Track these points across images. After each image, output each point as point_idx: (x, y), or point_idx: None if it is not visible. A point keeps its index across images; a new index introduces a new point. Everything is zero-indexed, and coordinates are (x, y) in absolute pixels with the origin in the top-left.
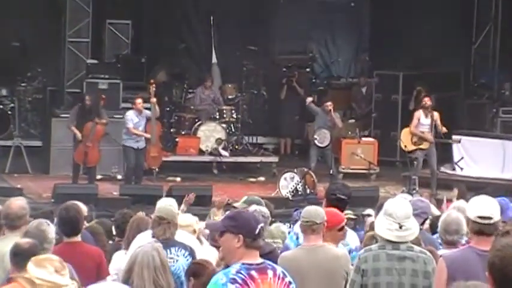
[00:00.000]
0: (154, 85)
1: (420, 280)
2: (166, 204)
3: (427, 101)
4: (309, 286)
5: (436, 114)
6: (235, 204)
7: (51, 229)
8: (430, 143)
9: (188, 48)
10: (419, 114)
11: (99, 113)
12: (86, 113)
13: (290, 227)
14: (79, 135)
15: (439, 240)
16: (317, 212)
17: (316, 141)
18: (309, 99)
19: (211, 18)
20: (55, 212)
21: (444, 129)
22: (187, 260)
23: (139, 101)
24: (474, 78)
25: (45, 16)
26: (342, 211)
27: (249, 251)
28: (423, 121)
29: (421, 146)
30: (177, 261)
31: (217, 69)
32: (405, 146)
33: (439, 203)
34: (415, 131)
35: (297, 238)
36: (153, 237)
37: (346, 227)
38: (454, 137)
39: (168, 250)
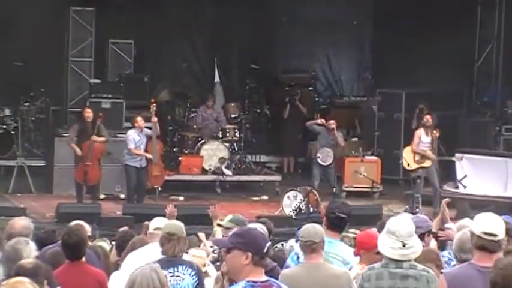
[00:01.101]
0: (155, 104)
1: None
2: (174, 221)
3: (428, 119)
4: None
5: (435, 132)
6: (222, 223)
7: (29, 248)
8: (432, 161)
9: (191, 67)
10: (420, 132)
11: (98, 130)
12: (85, 131)
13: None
14: (79, 151)
15: (447, 257)
16: (315, 230)
17: (318, 160)
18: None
19: (214, 37)
20: (57, 231)
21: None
22: (194, 279)
23: (139, 118)
24: (477, 96)
25: (48, 36)
26: (342, 230)
27: (256, 268)
28: (424, 139)
29: (423, 165)
30: (183, 279)
31: (220, 88)
32: (408, 165)
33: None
34: (417, 150)
35: (298, 258)
36: (163, 254)
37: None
38: (457, 155)
39: (176, 268)
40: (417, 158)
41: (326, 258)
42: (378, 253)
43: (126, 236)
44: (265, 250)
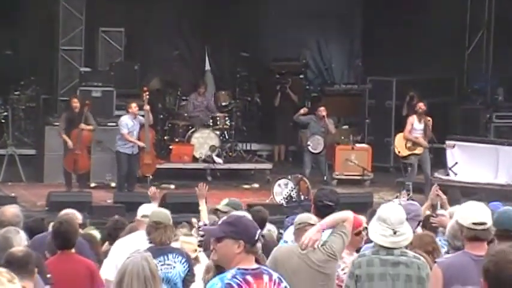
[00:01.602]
0: (147, 92)
1: (414, 285)
2: (160, 209)
3: (420, 106)
4: (298, 283)
5: (429, 119)
6: (219, 207)
7: (19, 236)
8: (424, 148)
9: (181, 55)
10: (412, 119)
11: (86, 119)
12: (73, 120)
13: (281, 234)
14: (70, 143)
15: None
16: (309, 215)
17: (309, 148)
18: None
19: (204, 25)
20: (46, 220)
21: (431, 135)
22: (184, 267)
23: (133, 105)
24: (467, 83)
25: (38, 24)
26: None
27: (247, 256)
28: (416, 126)
29: (415, 152)
30: (174, 267)
31: (211, 76)
32: (399, 152)
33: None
34: (409, 136)
35: None
36: (151, 242)
37: (363, 233)
38: (448, 142)
39: (166, 256)
40: (409, 144)
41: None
42: (357, 234)
43: (117, 224)
44: (256, 237)
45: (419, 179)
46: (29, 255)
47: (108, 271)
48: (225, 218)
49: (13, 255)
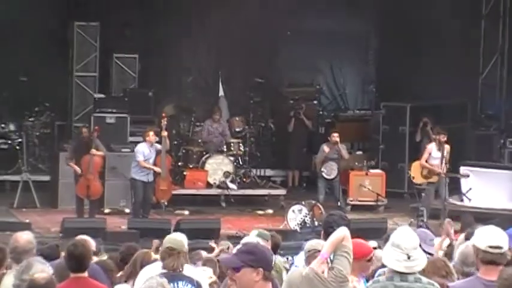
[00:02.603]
0: (166, 118)
1: None
2: (175, 235)
3: (441, 138)
4: None
5: (447, 148)
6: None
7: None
8: (440, 177)
9: (195, 81)
10: (431, 147)
11: (96, 145)
12: (83, 147)
13: (292, 260)
14: (78, 170)
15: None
16: (318, 242)
17: (323, 174)
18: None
19: (218, 51)
20: (61, 246)
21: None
22: None
23: (151, 133)
24: (481, 109)
25: (52, 51)
26: None
27: (265, 283)
28: (434, 154)
29: (430, 180)
30: None
31: (225, 102)
32: (413, 178)
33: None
34: (425, 165)
35: None
36: (164, 268)
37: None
38: (462, 171)
39: (176, 283)
40: (424, 173)
41: None
42: (369, 260)
43: (130, 250)
44: (273, 264)
45: (434, 205)
46: (51, 282)
47: None
48: (239, 246)
49: (35, 282)
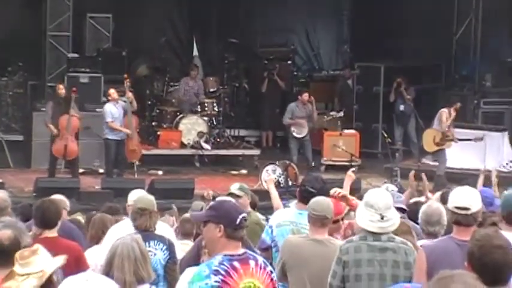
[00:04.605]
0: (128, 79)
1: (401, 271)
2: (145, 195)
3: (456, 107)
4: (310, 276)
5: (454, 115)
6: (233, 191)
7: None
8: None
9: (169, 41)
10: (445, 115)
11: (73, 106)
12: (60, 106)
13: (266, 220)
14: (55, 131)
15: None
16: (329, 206)
17: (294, 133)
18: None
19: (192, 11)
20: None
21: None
22: (165, 254)
23: (112, 91)
24: (455, 69)
25: (25, 10)
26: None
27: (231, 241)
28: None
29: (443, 147)
30: (155, 254)
31: (199, 62)
32: (428, 146)
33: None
34: (448, 132)
35: (272, 232)
36: (136, 228)
37: (341, 221)
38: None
39: (147, 243)
40: (437, 139)
41: (297, 229)
42: (335, 222)
43: (110, 210)
44: (237, 222)
45: (407, 165)
46: (16, 242)
47: (98, 257)
48: (212, 202)
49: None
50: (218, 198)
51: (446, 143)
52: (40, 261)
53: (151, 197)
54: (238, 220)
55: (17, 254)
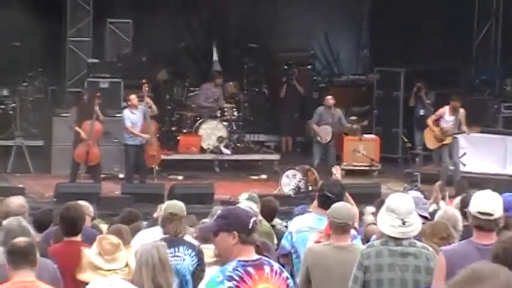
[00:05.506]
0: (147, 85)
1: (423, 276)
2: (174, 201)
3: (456, 104)
4: (334, 283)
5: (462, 112)
6: (240, 201)
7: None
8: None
9: (188, 46)
10: (443, 110)
11: (96, 111)
12: (85, 112)
13: (286, 226)
14: (84, 134)
15: None
16: (348, 212)
17: (318, 138)
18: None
19: (212, 16)
20: (54, 211)
21: (466, 129)
22: (193, 260)
23: (132, 97)
24: (475, 74)
25: (46, 16)
26: (326, 209)
27: (245, 247)
28: (447, 118)
29: (445, 142)
30: (183, 260)
31: (219, 67)
32: (429, 144)
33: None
34: (429, 123)
35: (291, 238)
36: (165, 234)
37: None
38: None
39: (177, 248)
40: (437, 134)
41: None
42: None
43: (130, 216)
44: (250, 226)
45: (427, 170)
46: (31, 245)
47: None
48: (219, 211)
49: (16, 246)
50: (226, 207)
51: (447, 138)
52: (124, 257)
53: (181, 203)
54: (251, 224)
55: (101, 249)
